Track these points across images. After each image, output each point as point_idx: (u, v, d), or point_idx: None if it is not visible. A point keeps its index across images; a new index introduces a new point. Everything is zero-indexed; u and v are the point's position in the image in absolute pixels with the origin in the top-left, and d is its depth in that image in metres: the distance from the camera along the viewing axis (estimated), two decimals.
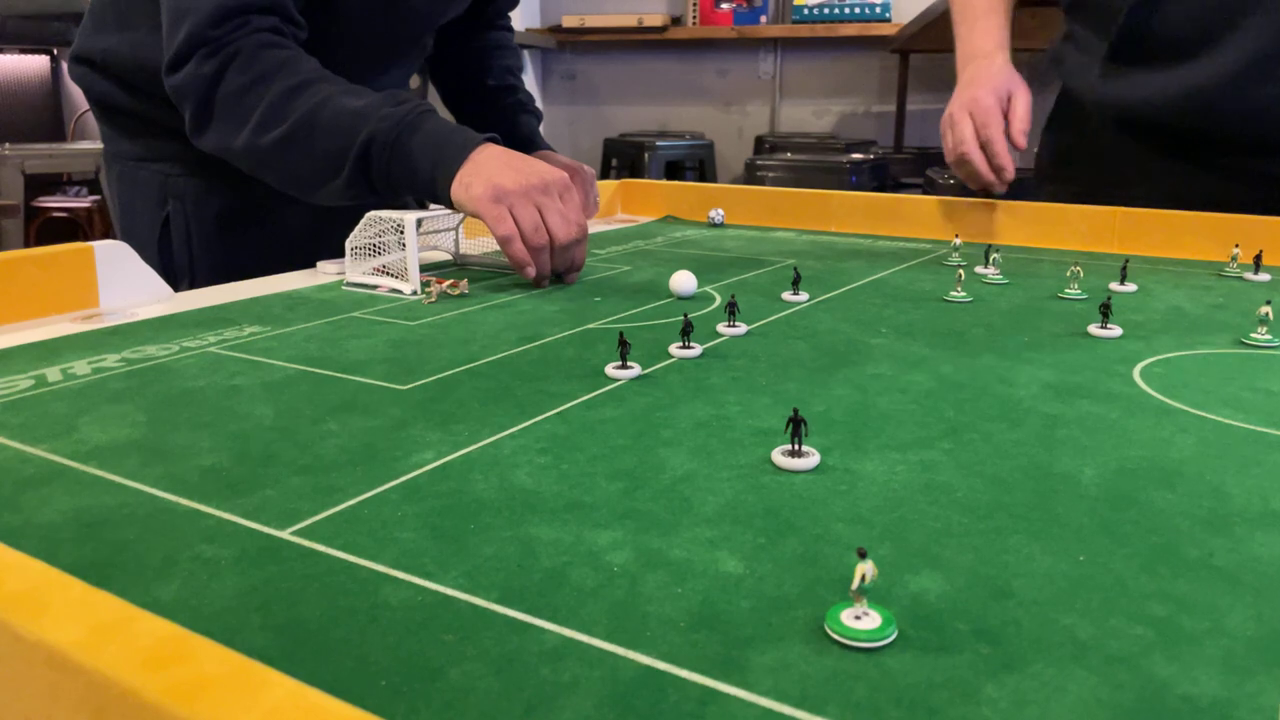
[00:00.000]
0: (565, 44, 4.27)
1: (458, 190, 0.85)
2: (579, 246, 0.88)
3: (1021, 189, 1.19)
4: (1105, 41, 1.16)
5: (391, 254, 0.88)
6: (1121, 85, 1.14)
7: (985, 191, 1.16)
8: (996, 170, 1.11)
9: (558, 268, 0.88)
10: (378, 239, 0.88)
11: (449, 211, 0.94)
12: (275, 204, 1.04)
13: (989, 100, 1.12)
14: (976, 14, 1.22)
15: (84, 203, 3.54)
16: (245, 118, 0.89)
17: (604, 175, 3.68)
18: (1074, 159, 1.28)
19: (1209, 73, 1.07)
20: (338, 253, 0.92)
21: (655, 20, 3.93)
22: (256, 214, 1.09)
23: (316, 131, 0.88)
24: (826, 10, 3.76)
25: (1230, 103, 1.06)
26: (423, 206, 1.06)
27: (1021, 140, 1.11)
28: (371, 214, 0.88)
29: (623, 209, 1.42)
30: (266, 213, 1.09)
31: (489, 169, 0.85)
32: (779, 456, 0.46)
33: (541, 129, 1.37)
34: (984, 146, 1.11)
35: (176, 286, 0.99)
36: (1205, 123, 1.10)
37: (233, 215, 1.08)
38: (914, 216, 1.19)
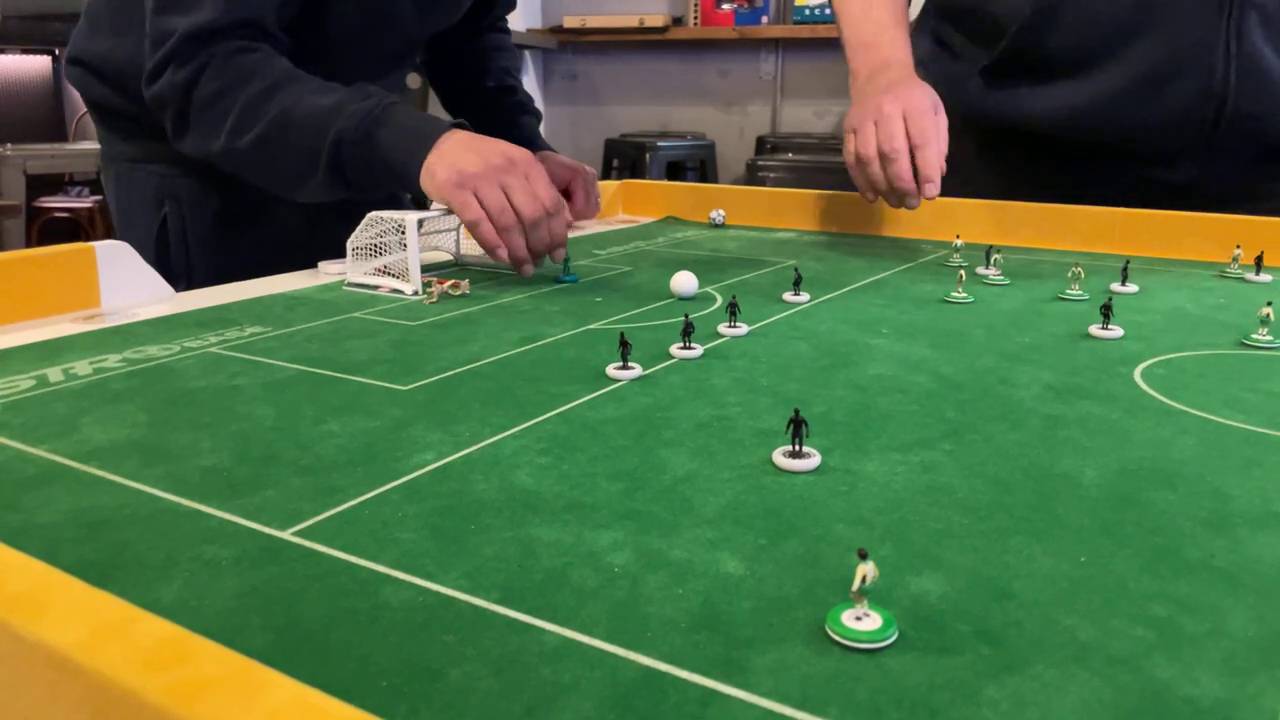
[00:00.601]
0: (566, 44, 4.27)
1: (425, 179, 0.86)
2: (554, 221, 0.87)
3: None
4: (987, 55, 1.16)
5: (393, 254, 0.88)
6: (1003, 98, 1.13)
7: (895, 203, 1.03)
8: (922, 181, 0.98)
9: (535, 247, 0.87)
10: (379, 239, 0.88)
11: (450, 211, 0.94)
12: (273, 204, 1.04)
13: (926, 104, 1.01)
14: (884, 24, 1.13)
15: (85, 203, 3.55)
16: (220, 122, 0.90)
17: (605, 175, 3.68)
18: (950, 163, 1.27)
19: (1094, 90, 1.09)
20: (338, 253, 0.92)
21: (656, 20, 3.93)
22: (254, 214, 1.09)
23: (289, 132, 0.89)
24: (828, 10, 3.75)
25: (1115, 119, 1.09)
26: (419, 204, 1.07)
27: (941, 164, 1.00)
28: (373, 214, 0.88)
29: (624, 209, 1.42)
30: (264, 213, 1.09)
31: (453, 155, 0.85)
32: (780, 457, 0.46)
33: (543, 129, 1.38)
34: (914, 152, 0.98)
35: (174, 287, 0.99)
36: (1088, 137, 1.12)
37: (230, 216, 1.08)
38: (915, 217, 1.19)
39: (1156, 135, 1.09)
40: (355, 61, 1.07)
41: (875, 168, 1.00)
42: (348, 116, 0.87)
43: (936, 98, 1.04)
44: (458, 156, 0.85)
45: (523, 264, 0.87)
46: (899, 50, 1.11)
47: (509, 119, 1.34)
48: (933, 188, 0.97)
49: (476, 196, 0.84)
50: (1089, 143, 1.13)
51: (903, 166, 0.98)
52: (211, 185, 1.06)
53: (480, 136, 0.88)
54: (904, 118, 0.99)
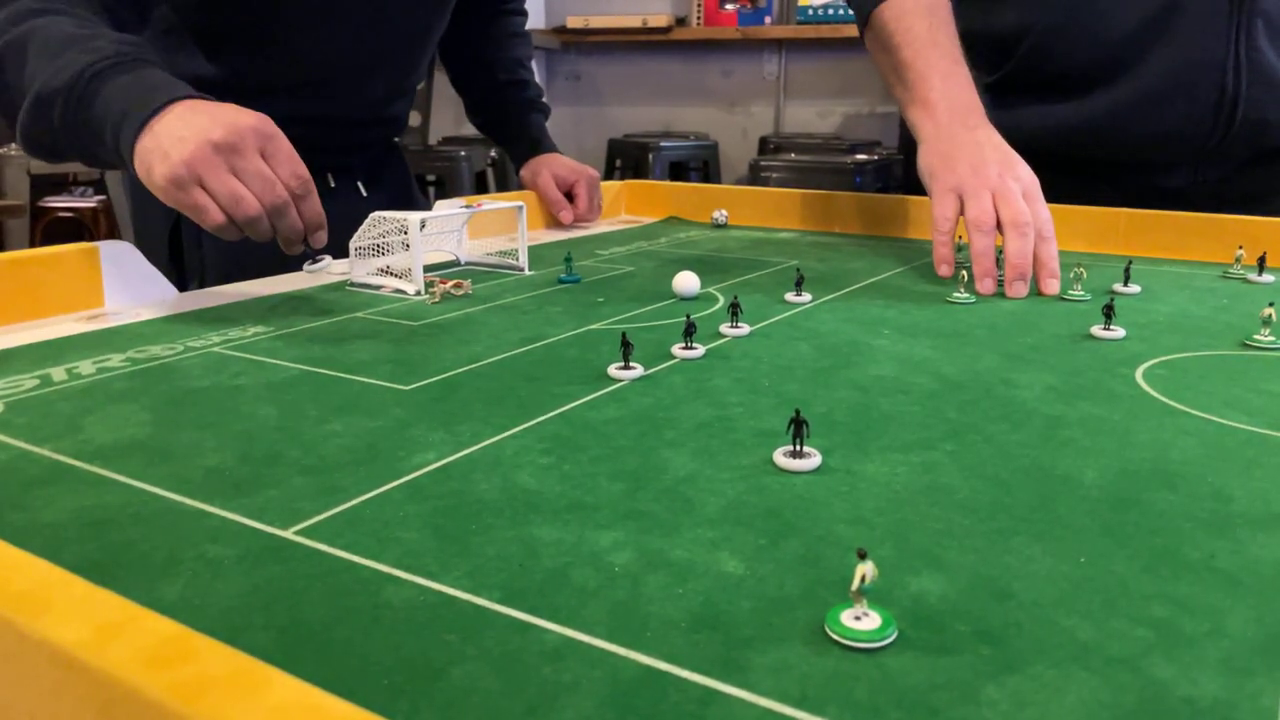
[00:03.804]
0: (570, 45, 4.28)
1: (142, 174, 0.72)
2: (304, 204, 0.75)
3: None
4: (989, 74, 1.15)
5: (395, 254, 0.88)
6: (1005, 115, 1.09)
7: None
8: (1047, 276, 0.87)
9: (285, 236, 0.74)
10: (382, 239, 0.88)
11: (454, 212, 0.95)
12: None
13: (1038, 186, 0.91)
14: (954, 56, 1.00)
15: (89, 203, 3.55)
16: None
17: (608, 176, 3.68)
18: None
19: (1101, 106, 1.09)
20: (343, 253, 0.92)
21: (660, 21, 3.93)
22: None
23: (22, 55, 0.76)
24: (831, 11, 3.75)
25: (1122, 133, 1.09)
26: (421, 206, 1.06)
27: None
28: (376, 214, 0.88)
29: (626, 209, 1.42)
30: None
31: (169, 141, 0.70)
32: (781, 457, 0.46)
33: (546, 127, 1.38)
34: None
35: (188, 285, 0.99)
36: (1093, 151, 1.12)
37: None
38: (917, 218, 1.19)
39: (1162, 146, 1.09)
40: (348, 31, 1.05)
41: (993, 240, 0.88)
42: (86, 51, 0.74)
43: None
44: (173, 143, 0.70)
45: (292, 246, 0.76)
46: (973, 91, 0.99)
47: (519, 116, 1.35)
48: (1056, 283, 0.86)
49: (205, 189, 0.70)
50: (1093, 156, 1.13)
51: (1030, 245, 0.87)
52: None
53: (198, 106, 0.73)
54: (1022, 196, 0.90)
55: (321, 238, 0.77)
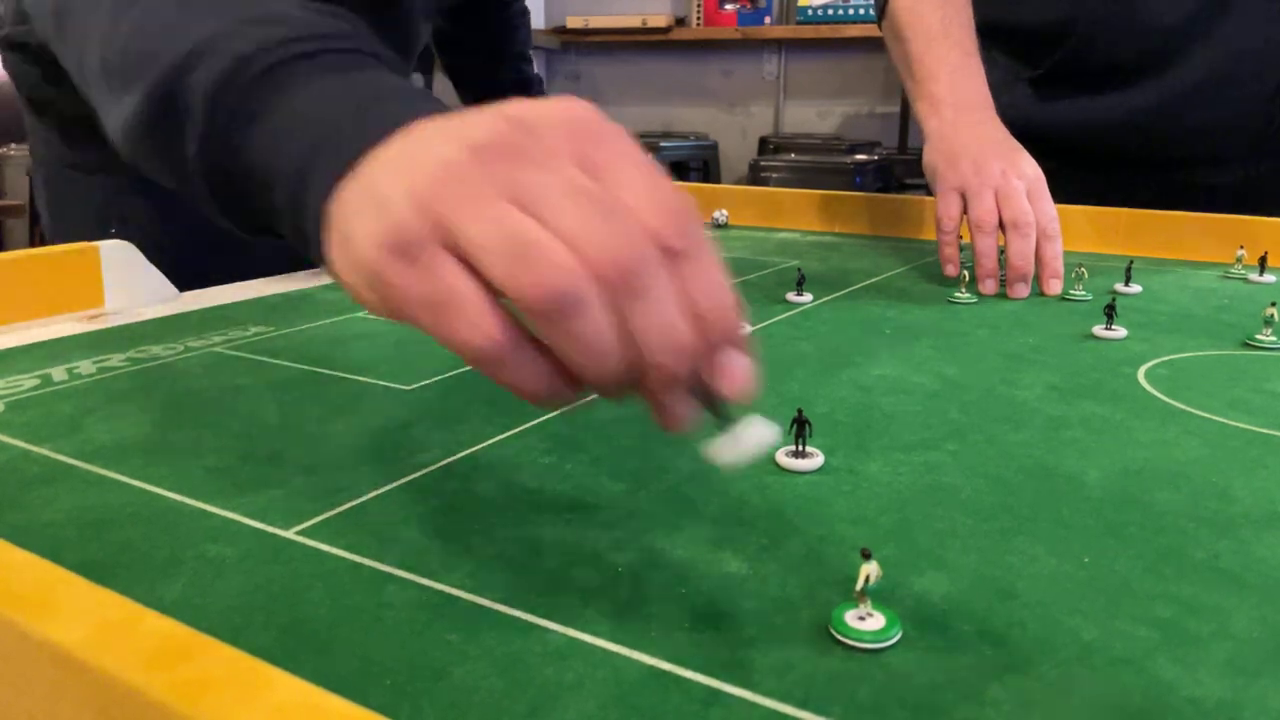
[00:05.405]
0: (569, 45, 4.28)
1: (334, 249, 0.36)
2: (691, 267, 0.34)
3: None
4: (1030, 69, 1.14)
5: None
6: (1046, 109, 1.09)
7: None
8: (1049, 277, 0.86)
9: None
10: None
11: None
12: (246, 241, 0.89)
13: (1044, 182, 0.89)
14: (967, 49, 0.99)
15: None
16: (79, 43, 0.51)
17: None
18: None
19: (1148, 99, 1.07)
20: None
21: (659, 21, 3.93)
22: (228, 245, 0.92)
23: (127, 62, 0.46)
24: (831, 11, 3.76)
25: (1170, 126, 1.07)
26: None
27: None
28: None
29: None
30: (239, 244, 0.94)
31: (394, 177, 0.34)
32: (783, 457, 0.46)
33: None
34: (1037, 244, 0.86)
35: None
36: (1140, 144, 1.11)
37: (193, 245, 0.83)
38: (918, 218, 1.19)
39: (1213, 140, 1.07)
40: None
41: (995, 240, 0.87)
42: (250, 22, 0.42)
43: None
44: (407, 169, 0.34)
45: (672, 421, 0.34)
46: (983, 85, 0.97)
47: None
48: (1058, 284, 0.85)
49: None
50: (1139, 150, 1.11)
51: (1031, 246, 0.85)
52: (169, 205, 0.77)
53: (452, 120, 0.35)
54: (1026, 195, 0.88)
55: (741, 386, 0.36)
